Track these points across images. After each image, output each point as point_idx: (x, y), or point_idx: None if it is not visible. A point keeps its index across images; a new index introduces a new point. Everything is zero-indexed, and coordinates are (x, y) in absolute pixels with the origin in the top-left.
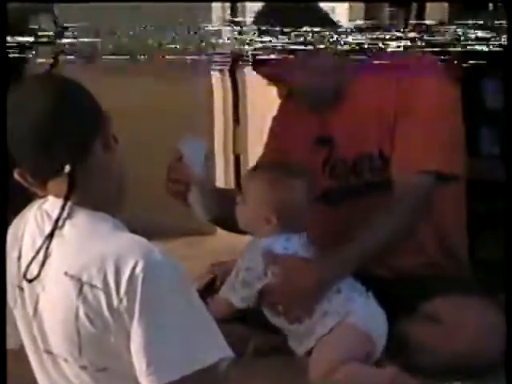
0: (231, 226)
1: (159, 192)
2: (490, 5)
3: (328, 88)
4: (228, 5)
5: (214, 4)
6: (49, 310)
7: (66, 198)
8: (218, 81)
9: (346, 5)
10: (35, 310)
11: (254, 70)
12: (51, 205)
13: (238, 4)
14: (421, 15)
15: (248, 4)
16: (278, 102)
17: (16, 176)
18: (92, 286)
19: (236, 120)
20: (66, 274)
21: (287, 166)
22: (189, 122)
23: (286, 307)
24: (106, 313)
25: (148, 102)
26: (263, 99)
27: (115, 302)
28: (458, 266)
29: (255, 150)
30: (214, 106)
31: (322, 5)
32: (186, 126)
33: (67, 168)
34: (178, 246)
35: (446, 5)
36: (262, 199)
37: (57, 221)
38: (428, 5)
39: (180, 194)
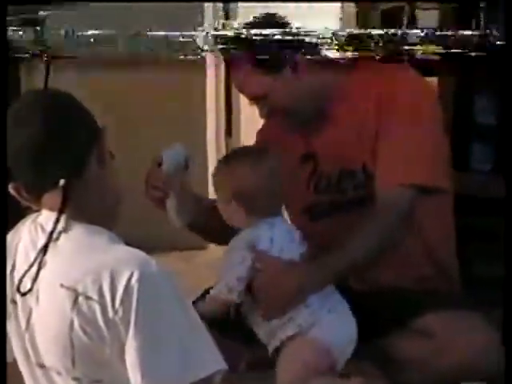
0: (208, 233)
1: (151, 206)
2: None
3: (308, 108)
4: (221, 9)
5: (206, 7)
6: (42, 322)
7: (60, 212)
8: (212, 93)
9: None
10: (28, 323)
11: (235, 87)
12: (45, 218)
13: (231, 7)
14: (414, 21)
15: (240, 10)
16: None
17: (11, 190)
18: (87, 298)
19: (228, 132)
20: (61, 285)
21: (246, 149)
22: (180, 134)
23: (264, 305)
24: (101, 324)
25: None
26: (256, 112)
27: (110, 313)
28: (448, 281)
29: None
30: (207, 117)
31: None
32: (177, 138)
33: (62, 182)
34: (170, 259)
35: (436, 11)
36: (222, 186)
37: (51, 234)
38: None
39: (158, 200)
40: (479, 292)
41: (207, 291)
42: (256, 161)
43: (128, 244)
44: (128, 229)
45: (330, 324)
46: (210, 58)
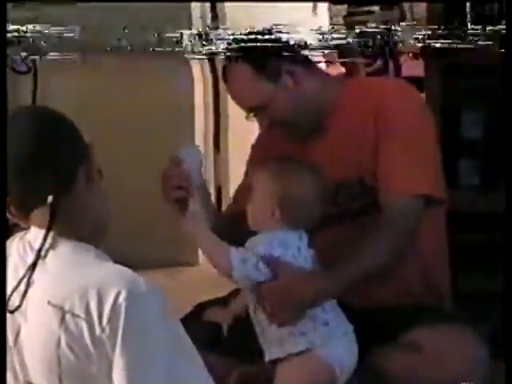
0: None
1: (140, 222)
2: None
3: (307, 119)
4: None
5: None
6: (30, 339)
7: (49, 229)
8: (201, 109)
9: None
10: (16, 340)
11: (233, 98)
12: (34, 235)
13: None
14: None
15: (228, 12)
16: (258, 131)
17: None
18: (74, 315)
19: (216, 147)
20: (48, 303)
21: (298, 160)
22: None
23: (274, 309)
24: (88, 342)
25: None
26: (244, 129)
27: (97, 331)
28: (438, 297)
29: (237, 181)
30: (195, 131)
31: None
32: (164, 152)
33: (50, 199)
34: (158, 276)
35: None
36: (267, 191)
37: (39, 251)
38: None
39: (180, 202)
40: (468, 307)
41: (197, 307)
42: (313, 176)
43: (115, 261)
44: (114, 245)
45: (341, 347)
46: (196, 70)
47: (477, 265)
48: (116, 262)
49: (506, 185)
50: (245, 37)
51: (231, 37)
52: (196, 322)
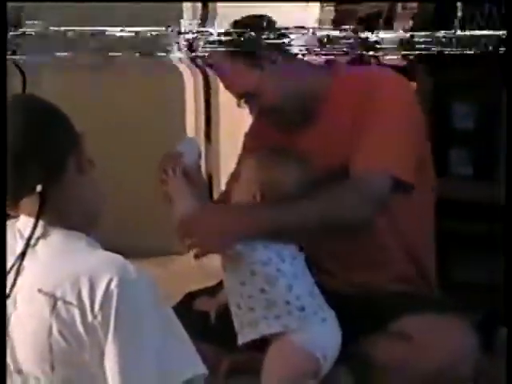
0: None
1: (127, 212)
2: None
3: (295, 106)
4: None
5: (184, 8)
6: (20, 328)
7: (38, 218)
8: (191, 99)
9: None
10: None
11: (224, 87)
12: (23, 224)
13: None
14: (389, 22)
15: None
16: (249, 121)
17: None
18: (66, 302)
19: (208, 138)
20: (39, 291)
21: (286, 150)
22: (159, 140)
23: (197, 238)
24: (81, 329)
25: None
26: (235, 120)
27: (90, 317)
28: (427, 285)
29: (228, 172)
30: (186, 123)
31: None
32: (155, 145)
33: (39, 188)
34: (147, 265)
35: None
36: (251, 176)
37: (29, 239)
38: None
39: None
40: (458, 296)
41: (187, 296)
42: (298, 167)
43: (106, 249)
44: (106, 234)
45: (321, 333)
46: (187, 61)
47: (466, 254)
48: (107, 250)
49: (506, 179)
50: (232, 29)
51: (221, 30)
52: (186, 311)
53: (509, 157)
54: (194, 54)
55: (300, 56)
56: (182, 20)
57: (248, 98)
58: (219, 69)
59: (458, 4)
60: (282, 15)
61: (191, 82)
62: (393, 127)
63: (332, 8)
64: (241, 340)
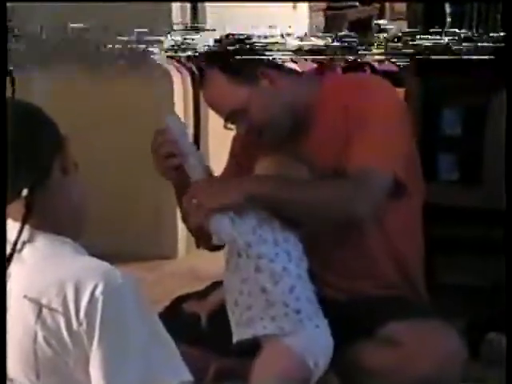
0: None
1: (116, 215)
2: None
3: (286, 122)
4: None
5: (174, 8)
6: (7, 334)
7: (24, 222)
8: (180, 107)
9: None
10: None
11: (210, 106)
12: (9, 228)
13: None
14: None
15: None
16: None
17: None
18: (51, 310)
19: (196, 140)
20: (24, 297)
21: (293, 154)
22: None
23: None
24: (65, 336)
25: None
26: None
27: (75, 324)
28: (415, 290)
29: (217, 172)
30: None
31: None
32: (144, 149)
33: (25, 192)
34: (138, 269)
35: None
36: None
37: (15, 244)
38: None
39: (174, 169)
40: (446, 300)
41: (175, 301)
42: (301, 163)
43: (93, 254)
44: (93, 238)
45: (314, 340)
46: (175, 68)
47: (454, 258)
48: (96, 255)
49: (506, 183)
50: (218, 43)
51: (210, 41)
52: (175, 315)
53: (509, 157)
54: (183, 54)
55: (289, 67)
56: (172, 16)
57: (235, 118)
58: (205, 88)
59: (447, 10)
60: (270, 20)
61: (179, 83)
62: (385, 130)
63: (321, 13)
64: (235, 338)
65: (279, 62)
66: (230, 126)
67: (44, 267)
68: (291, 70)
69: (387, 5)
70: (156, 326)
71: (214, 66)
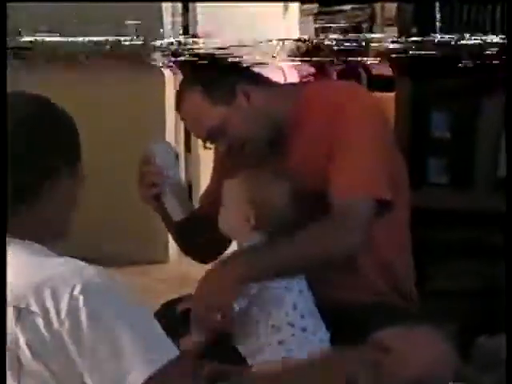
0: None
1: (108, 220)
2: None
3: (266, 138)
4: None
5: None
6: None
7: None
8: (172, 109)
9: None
10: None
11: (188, 128)
12: None
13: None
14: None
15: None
16: None
17: None
18: (30, 312)
19: (187, 146)
20: None
21: (268, 168)
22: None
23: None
24: (47, 338)
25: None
26: None
27: (56, 325)
28: (404, 296)
29: (208, 178)
30: (166, 133)
31: None
32: (135, 153)
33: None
34: (129, 273)
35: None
36: (241, 198)
37: None
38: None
39: (155, 198)
40: (436, 304)
41: (165, 305)
42: (286, 184)
43: (84, 258)
44: (88, 243)
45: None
46: (167, 70)
47: (444, 263)
48: (89, 259)
49: (506, 185)
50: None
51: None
52: (167, 317)
53: (509, 158)
54: (175, 58)
55: (268, 78)
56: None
57: (213, 137)
58: (181, 110)
59: (437, 15)
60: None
61: (171, 87)
62: (365, 146)
63: (311, 18)
64: (250, 362)
65: (256, 72)
66: (208, 145)
67: (20, 273)
68: (270, 83)
69: (378, 10)
70: (140, 320)
71: (190, 82)
